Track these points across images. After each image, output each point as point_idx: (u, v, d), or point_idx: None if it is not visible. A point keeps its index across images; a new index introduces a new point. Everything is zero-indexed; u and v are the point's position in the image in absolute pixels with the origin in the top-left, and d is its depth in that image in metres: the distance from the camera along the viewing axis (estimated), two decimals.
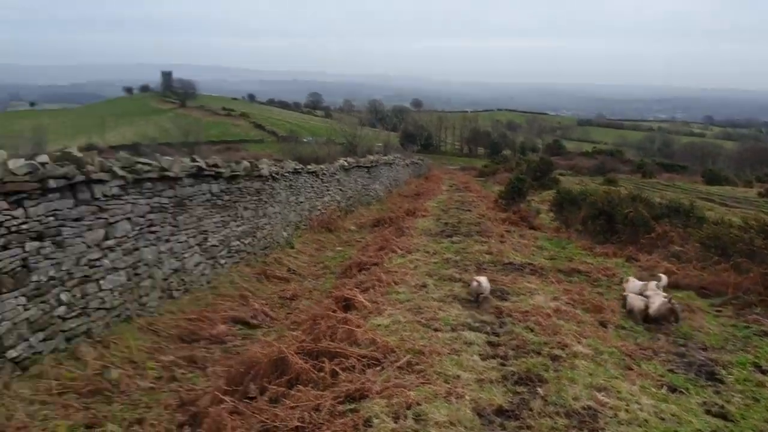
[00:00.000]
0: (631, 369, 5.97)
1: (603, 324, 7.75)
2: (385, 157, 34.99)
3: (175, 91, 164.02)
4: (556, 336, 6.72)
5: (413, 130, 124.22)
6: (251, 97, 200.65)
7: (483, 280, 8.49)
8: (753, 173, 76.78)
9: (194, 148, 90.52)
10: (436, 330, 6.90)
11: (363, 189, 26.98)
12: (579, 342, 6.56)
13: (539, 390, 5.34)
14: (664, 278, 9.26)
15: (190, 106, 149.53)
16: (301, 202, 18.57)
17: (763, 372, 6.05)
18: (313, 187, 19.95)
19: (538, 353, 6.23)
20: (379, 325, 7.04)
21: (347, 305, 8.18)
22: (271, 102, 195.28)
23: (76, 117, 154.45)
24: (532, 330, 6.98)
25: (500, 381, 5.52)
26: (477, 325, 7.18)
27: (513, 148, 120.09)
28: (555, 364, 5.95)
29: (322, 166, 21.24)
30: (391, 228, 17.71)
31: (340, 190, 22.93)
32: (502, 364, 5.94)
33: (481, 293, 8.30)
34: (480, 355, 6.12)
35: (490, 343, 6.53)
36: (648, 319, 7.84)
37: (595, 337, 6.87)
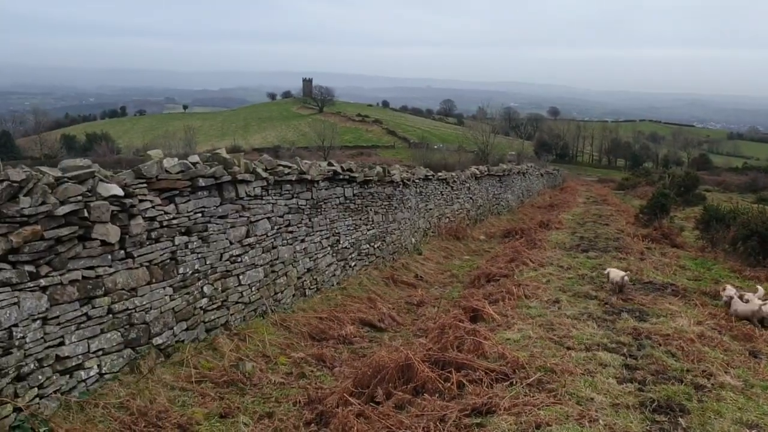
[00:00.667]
0: None
1: (754, 354, 7.11)
2: (518, 167, 34.30)
3: (314, 98, 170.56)
4: (701, 363, 6.23)
5: (548, 139, 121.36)
6: (385, 104, 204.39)
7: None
8: None
9: (329, 152, 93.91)
10: (568, 348, 6.63)
11: (494, 198, 26.62)
12: (726, 372, 6.04)
13: (681, 421, 4.96)
14: (761, 290, 9.53)
15: (327, 112, 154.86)
16: (430, 209, 18.61)
17: None
18: (442, 195, 19.95)
19: (680, 381, 5.80)
20: (508, 339, 6.88)
21: (475, 316, 8.06)
22: (404, 109, 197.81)
23: (223, 120, 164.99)
24: (673, 355, 6.52)
25: (637, 407, 5.18)
26: (613, 345, 6.82)
27: (655, 161, 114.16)
28: (699, 393, 5.51)
29: (452, 174, 21.20)
30: (522, 239, 17.34)
31: (470, 198, 22.76)
32: (640, 390, 5.58)
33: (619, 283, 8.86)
34: (616, 378, 5.79)
35: (627, 366, 6.17)
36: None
37: (746, 368, 6.30)
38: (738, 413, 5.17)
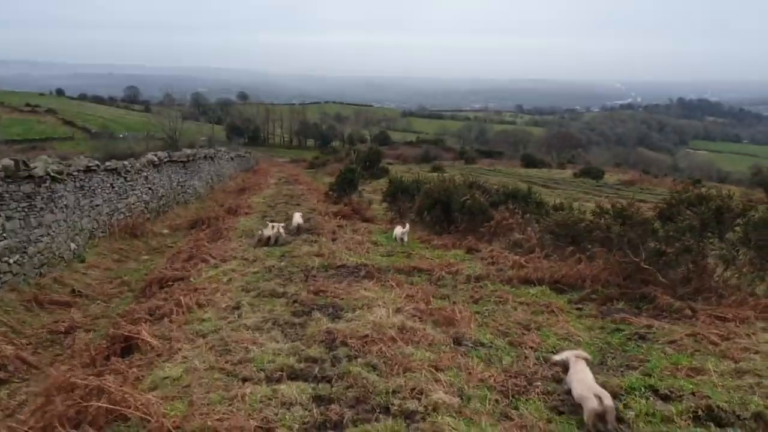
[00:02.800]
0: (511, 418, 4.47)
1: (458, 341, 6.29)
2: (205, 151, 32.02)
3: None
4: (408, 376, 5.08)
5: (239, 123, 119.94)
6: (60, 92, 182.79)
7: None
8: (560, 156, 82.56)
9: None
10: (245, 380, 4.99)
11: (179, 186, 24.09)
12: (437, 380, 4.95)
13: None
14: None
15: None
16: (98, 206, 15.66)
17: (664, 398, 4.83)
18: (113, 187, 17.03)
19: (386, 410, 4.54)
20: (165, 379, 5.02)
21: (129, 346, 6.01)
22: (83, 97, 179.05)
23: None
24: (375, 368, 5.27)
25: None
26: (302, 367, 5.34)
27: (342, 140, 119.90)
28: (411, 427, 4.28)
29: (125, 163, 18.28)
30: (207, 230, 15.43)
31: (149, 189, 20.02)
32: None
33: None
34: (304, 425, 4.29)
35: (318, 399, 4.73)
36: None
37: (456, 369, 5.33)
38: None
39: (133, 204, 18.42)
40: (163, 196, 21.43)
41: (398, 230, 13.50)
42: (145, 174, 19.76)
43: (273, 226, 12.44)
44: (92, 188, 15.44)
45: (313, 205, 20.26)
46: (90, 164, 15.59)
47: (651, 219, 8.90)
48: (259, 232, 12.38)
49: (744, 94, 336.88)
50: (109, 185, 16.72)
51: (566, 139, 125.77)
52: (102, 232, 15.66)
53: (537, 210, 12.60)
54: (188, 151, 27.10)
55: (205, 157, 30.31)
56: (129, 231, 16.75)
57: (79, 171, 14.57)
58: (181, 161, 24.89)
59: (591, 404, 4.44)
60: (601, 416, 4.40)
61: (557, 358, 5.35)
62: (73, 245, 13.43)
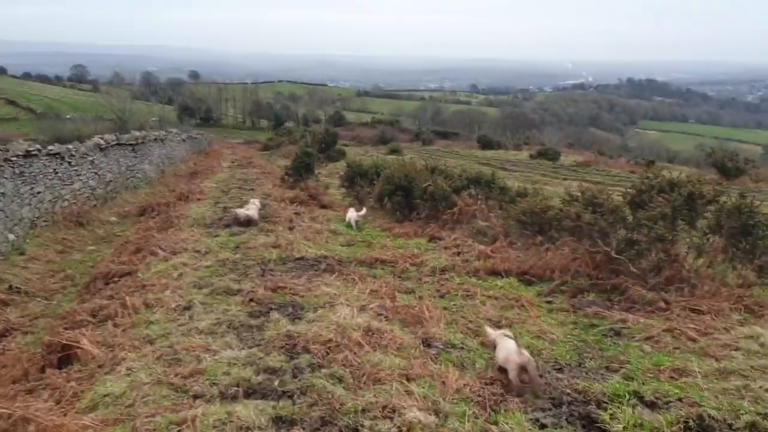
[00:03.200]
0: None
1: (428, 343, 5.91)
2: (155, 133, 30.80)
3: None
4: (378, 389, 4.65)
5: (191, 103, 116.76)
6: (2, 71, 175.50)
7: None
8: (514, 137, 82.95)
9: None
10: (195, 397, 4.49)
11: (128, 171, 23.08)
12: (410, 393, 4.54)
13: None
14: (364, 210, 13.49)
15: None
16: (39, 193, 14.77)
17: (650, 406, 4.54)
18: (56, 173, 16.10)
19: None
20: (105, 396, 4.50)
21: (67, 356, 5.46)
22: (27, 76, 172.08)
23: None
24: (341, 380, 4.82)
25: None
26: (260, 380, 4.84)
27: (296, 120, 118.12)
28: None
29: (69, 147, 17.31)
30: (156, 218, 14.72)
31: (96, 174, 19.04)
32: None
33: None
34: None
35: (279, 420, 4.24)
36: None
37: (428, 377, 4.94)
38: None
39: (79, 190, 17.51)
40: (110, 181, 20.47)
41: (351, 213, 13.39)
42: (91, 158, 18.79)
43: (254, 204, 12.97)
44: (33, 174, 14.55)
45: (269, 189, 19.62)
46: (30, 149, 14.67)
47: (621, 206, 8.66)
48: (233, 211, 12.38)
49: (691, 75, 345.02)
50: (52, 171, 15.80)
51: (520, 120, 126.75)
52: (44, 221, 14.79)
53: (500, 196, 12.28)
54: (137, 134, 25.99)
55: (155, 139, 29.18)
56: (74, 219, 15.88)
57: (18, 156, 13.68)
58: (130, 144, 23.85)
59: (512, 357, 4.86)
60: (523, 368, 4.79)
61: (489, 338, 5.71)
62: (11, 236, 12.60)
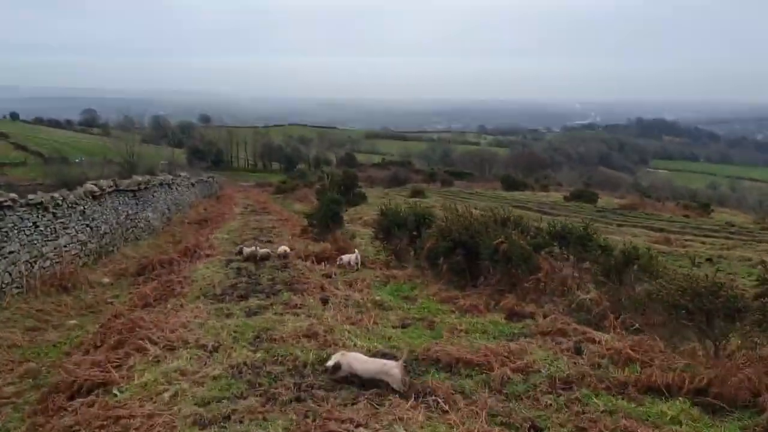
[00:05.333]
0: None
1: None
2: (160, 177, 28.22)
3: None
4: None
5: (201, 146, 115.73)
6: (14, 116, 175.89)
7: None
8: (534, 177, 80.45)
9: None
10: None
11: (128, 220, 20.46)
12: None
13: None
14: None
15: None
16: (12, 253, 12.14)
17: None
18: (37, 227, 13.50)
19: None
20: None
21: None
22: (38, 120, 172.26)
23: None
24: None
25: None
26: None
27: (308, 162, 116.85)
28: None
29: (54, 195, 14.70)
30: (155, 284, 11.98)
31: (87, 226, 16.36)
32: None
33: None
34: None
35: None
36: None
37: None
38: None
39: (66, 246, 14.84)
40: (105, 233, 17.80)
41: (346, 258, 13.34)
42: (82, 208, 16.16)
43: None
44: (5, 230, 11.97)
45: (288, 241, 16.91)
46: (2, 200, 12.11)
47: None
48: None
49: (699, 114, 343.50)
50: (31, 224, 13.21)
51: (532, 160, 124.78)
52: (17, 287, 12.13)
53: (602, 257, 9.32)
54: (139, 178, 23.39)
55: (161, 184, 26.61)
56: (57, 283, 13.22)
57: None
58: (131, 190, 21.29)
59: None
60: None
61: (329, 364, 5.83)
62: None
